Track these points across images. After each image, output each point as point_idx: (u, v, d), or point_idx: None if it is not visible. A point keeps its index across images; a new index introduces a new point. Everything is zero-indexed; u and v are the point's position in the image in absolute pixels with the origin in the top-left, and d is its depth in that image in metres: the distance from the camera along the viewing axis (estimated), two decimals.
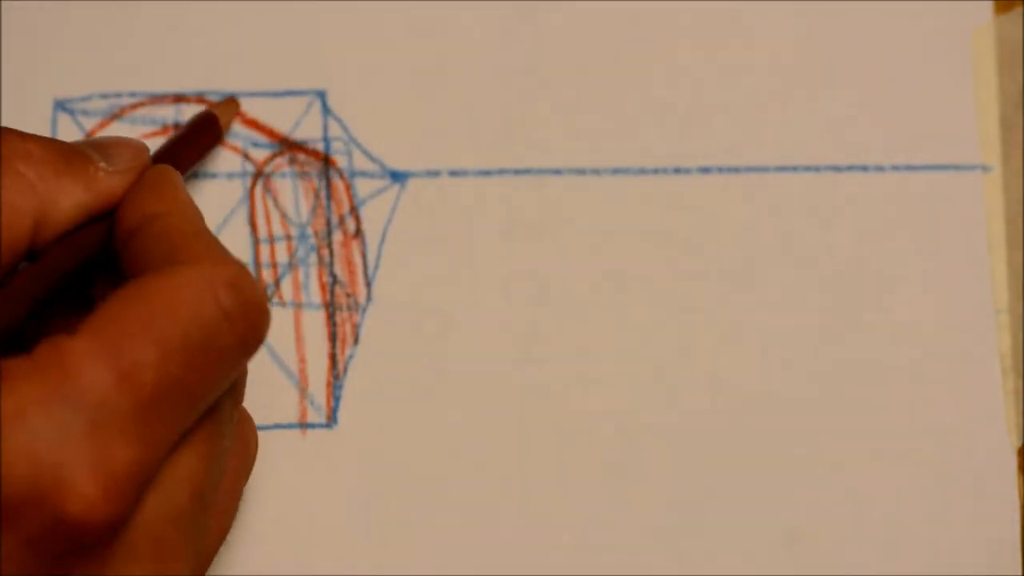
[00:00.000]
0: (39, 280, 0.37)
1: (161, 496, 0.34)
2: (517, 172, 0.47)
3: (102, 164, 0.39)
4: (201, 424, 0.36)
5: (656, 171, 0.47)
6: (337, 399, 0.46)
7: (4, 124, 0.47)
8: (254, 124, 0.47)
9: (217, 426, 0.36)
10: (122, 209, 0.39)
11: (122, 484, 0.33)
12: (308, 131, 0.47)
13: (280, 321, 0.46)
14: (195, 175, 0.47)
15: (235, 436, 0.39)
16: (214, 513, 0.38)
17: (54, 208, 0.37)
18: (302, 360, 0.46)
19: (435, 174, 0.47)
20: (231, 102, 0.46)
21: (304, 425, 0.45)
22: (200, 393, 0.35)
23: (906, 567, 0.45)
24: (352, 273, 0.47)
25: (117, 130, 0.47)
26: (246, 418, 0.40)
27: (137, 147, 0.40)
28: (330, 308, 0.46)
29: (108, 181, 0.39)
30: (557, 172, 0.47)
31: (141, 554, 0.34)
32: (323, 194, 0.47)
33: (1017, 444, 0.46)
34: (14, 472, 0.32)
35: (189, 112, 0.47)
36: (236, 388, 0.38)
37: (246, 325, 0.35)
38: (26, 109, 0.47)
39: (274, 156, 0.47)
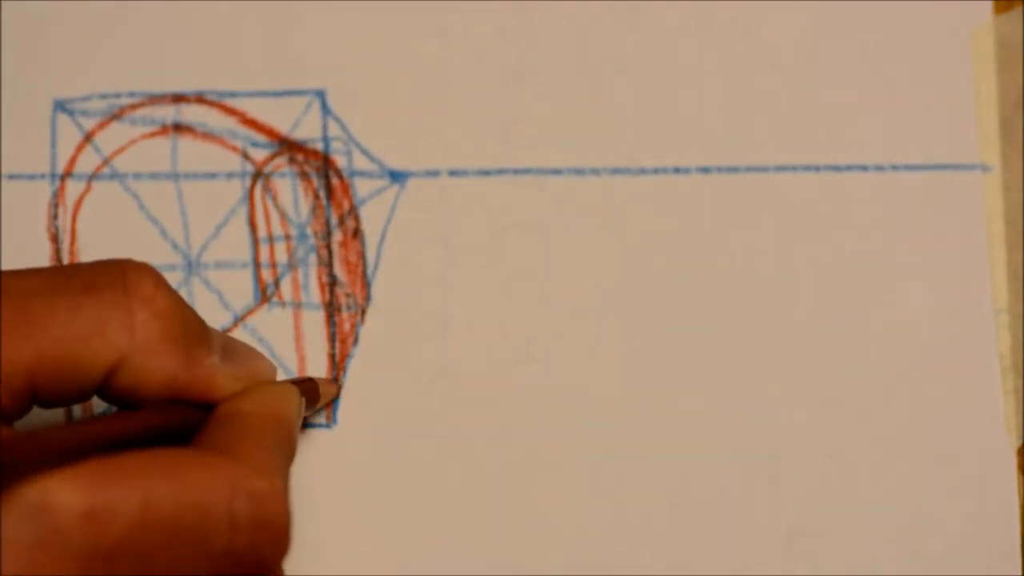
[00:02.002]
0: (103, 430, 0.35)
1: None
2: (517, 172, 0.47)
3: (215, 359, 0.38)
4: None
5: (656, 171, 0.47)
6: (337, 399, 0.46)
7: (4, 124, 0.47)
8: (253, 124, 0.47)
9: None
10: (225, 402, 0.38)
11: None
12: (307, 131, 0.47)
13: (280, 321, 0.46)
14: (194, 175, 0.47)
15: None
16: None
17: (142, 360, 0.36)
18: (302, 360, 0.46)
19: (435, 174, 0.47)
20: (332, 385, 0.45)
21: (304, 425, 0.45)
22: None
23: (906, 567, 0.45)
24: (352, 273, 0.47)
25: (117, 130, 0.47)
26: None
27: (264, 368, 0.39)
28: (330, 308, 0.46)
29: (213, 375, 0.37)
30: (557, 172, 0.47)
31: None
32: (322, 194, 0.47)
33: (1017, 444, 0.46)
34: None
35: (189, 112, 0.47)
36: None
37: (250, 544, 0.34)
38: (26, 109, 0.47)
39: (273, 156, 0.47)
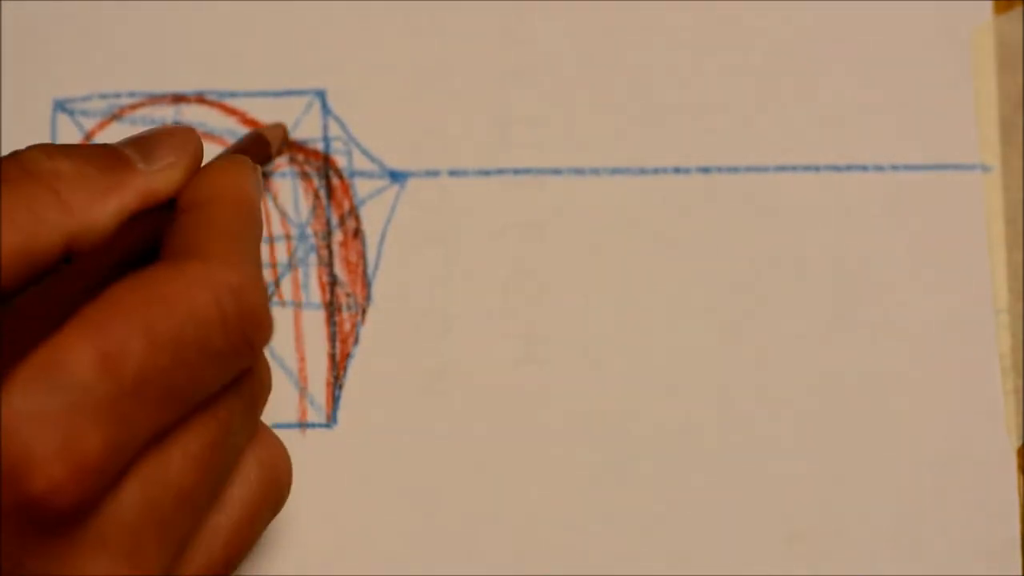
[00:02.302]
0: (78, 278, 0.36)
1: (140, 491, 0.34)
2: (517, 172, 0.47)
3: (141, 165, 0.38)
4: (196, 427, 0.35)
5: (656, 171, 0.47)
6: (337, 399, 0.46)
7: (4, 124, 0.47)
8: (253, 124, 0.47)
9: (217, 434, 0.36)
10: (181, 193, 0.38)
11: (91, 468, 0.32)
12: (308, 131, 0.47)
13: (280, 321, 0.46)
14: None
15: (259, 463, 0.38)
16: (215, 535, 0.37)
17: (90, 223, 0.36)
18: (302, 360, 0.46)
19: (435, 174, 0.47)
20: (279, 126, 0.46)
21: (304, 425, 0.45)
22: (185, 390, 0.34)
23: (906, 567, 0.45)
24: (352, 273, 0.47)
25: (116, 130, 0.47)
26: (277, 450, 0.39)
27: (181, 138, 0.39)
28: (330, 308, 0.46)
29: (149, 182, 0.38)
30: (557, 172, 0.47)
31: (112, 547, 0.33)
32: (323, 194, 0.47)
33: (1017, 444, 0.46)
34: None
35: (189, 112, 0.47)
36: (248, 402, 0.37)
37: (241, 334, 0.35)
38: (26, 109, 0.47)
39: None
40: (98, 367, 0.32)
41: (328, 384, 0.46)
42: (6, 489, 0.32)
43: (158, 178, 0.38)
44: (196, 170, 0.39)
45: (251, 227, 0.38)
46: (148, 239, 0.38)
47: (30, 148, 0.37)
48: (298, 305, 0.46)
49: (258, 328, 0.35)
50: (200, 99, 0.47)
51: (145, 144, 0.38)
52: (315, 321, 0.46)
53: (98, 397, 0.32)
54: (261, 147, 0.45)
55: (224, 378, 0.36)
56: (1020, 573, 0.45)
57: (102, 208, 0.37)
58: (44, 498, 0.32)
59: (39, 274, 0.36)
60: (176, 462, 0.35)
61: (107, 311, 0.33)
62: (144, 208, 0.38)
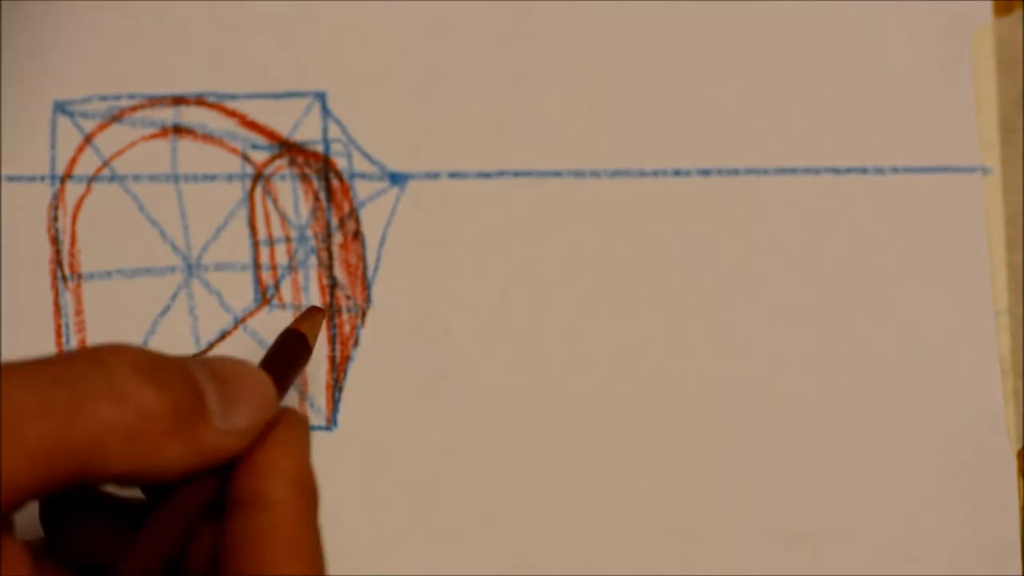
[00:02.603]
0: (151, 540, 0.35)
1: None
2: (516, 174, 0.47)
3: (218, 423, 0.35)
4: None
5: (656, 173, 0.47)
6: (337, 402, 0.46)
7: (4, 126, 0.47)
8: (253, 126, 0.47)
9: None
10: (241, 469, 0.36)
11: None
12: (308, 133, 0.47)
13: (280, 323, 0.46)
14: (194, 177, 0.47)
15: None
16: None
17: (152, 469, 0.34)
18: None
19: (434, 176, 0.47)
20: (316, 312, 0.42)
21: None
22: None
23: (906, 567, 0.45)
24: (352, 275, 0.47)
25: (117, 132, 0.47)
26: None
27: (262, 397, 0.36)
28: (330, 310, 0.46)
29: (220, 443, 0.35)
30: (556, 174, 0.47)
31: None
32: (323, 196, 0.47)
33: (1017, 446, 0.46)
34: None
35: (189, 114, 0.47)
36: None
37: None
38: (26, 111, 0.47)
39: (274, 158, 0.47)
40: None
41: (328, 387, 0.46)
42: None
43: (229, 441, 0.35)
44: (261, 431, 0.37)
45: (315, 521, 0.36)
46: (201, 507, 0.36)
47: (123, 353, 0.34)
48: (298, 307, 0.46)
49: None
50: (200, 101, 0.47)
51: (227, 392, 0.36)
52: None
53: None
54: (301, 347, 0.41)
55: None
56: (1020, 574, 0.45)
57: (168, 458, 0.34)
58: None
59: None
60: None
61: None
62: (207, 465, 0.35)
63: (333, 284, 0.46)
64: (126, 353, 0.34)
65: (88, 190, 0.47)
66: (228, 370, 0.36)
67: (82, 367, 0.33)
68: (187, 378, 0.35)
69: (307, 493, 0.36)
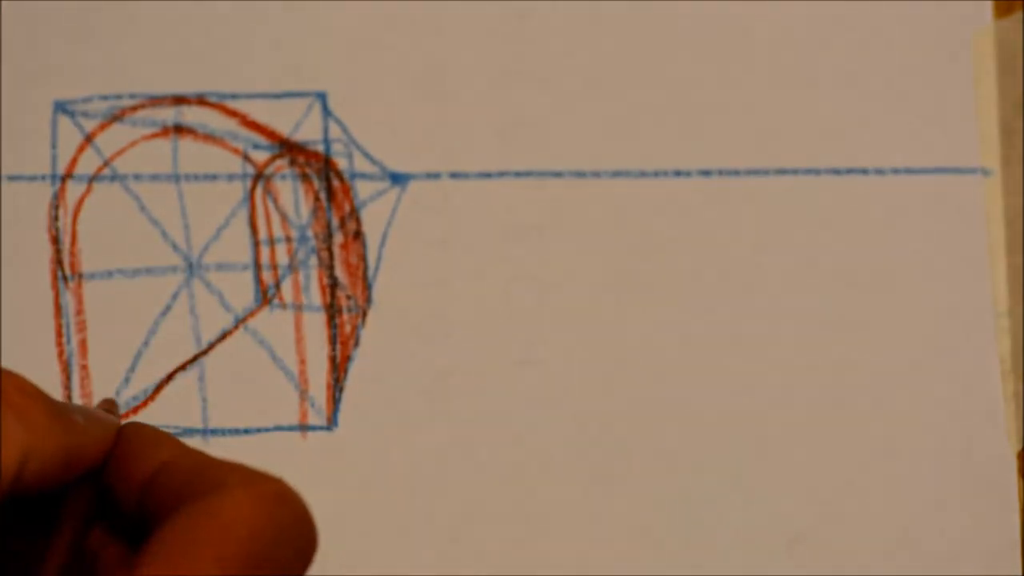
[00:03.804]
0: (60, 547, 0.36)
1: None
2: (518, 174, 0.47)
3: (79, 418, 0.37)
4: None
5: (656, 174, 0.47)
6: (337, 402, 0.46)
7: (4, 126, 0.47)
8: (254, 126, 0.47)
9: None
10: (120, 468, 0.37)
11: None
12: (308, 133, 0.47)
13: (281, 323, 0.46)
14: (195, 177, 0.47)
15: None
16: None
17: (41, 445, 0.36)
18: (302, 362, 0.46)
19: (436, 176, 0.47)
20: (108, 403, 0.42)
21: (304, 428, 0.45)
22: None
23: (906, 568, 0.45)
24: (353, 275, 0.47)
25: (118, 132, 0.47)
26: None
27: (107, 419, 0.39)
28: (330, 310, 0.46)
29: (87, 431, 0.37)
30: (558, 174, 0.47)
31: None
32: (323, 196, 0.47)
33: (1017, 447, 0.46)
34: None
35: (189, 114, 0.47)
36: None
37: (300, 537, 0.35)
38: (26, 111, 0.47)
39: (274, 158, 0.47)
40: None
41: (328, 387, 0.46)
42: None
43: (93, 430, 0.37)
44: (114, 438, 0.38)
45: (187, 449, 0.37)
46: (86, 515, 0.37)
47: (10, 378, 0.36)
48: (299, 307, 0.46)
49: (312, 527, 0.35)
50: (201, 100, 0.47)
51: (79, 408, 0.38)
52: (316, 323, 0.46)
53: None
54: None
55: None
56: (1020, 574, 0.45)
57: (52, 437, 0.36)
58: None
59: None
60: None
61: (176, 552, 0.33)
62: (77, 458, 0.37)
63: (334, 284, 0.46)
64: (12, 378, 0.36)
65: (89, 190, 0.47)
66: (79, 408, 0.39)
67: None
68: (55, 401, 0.37)
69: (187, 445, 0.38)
